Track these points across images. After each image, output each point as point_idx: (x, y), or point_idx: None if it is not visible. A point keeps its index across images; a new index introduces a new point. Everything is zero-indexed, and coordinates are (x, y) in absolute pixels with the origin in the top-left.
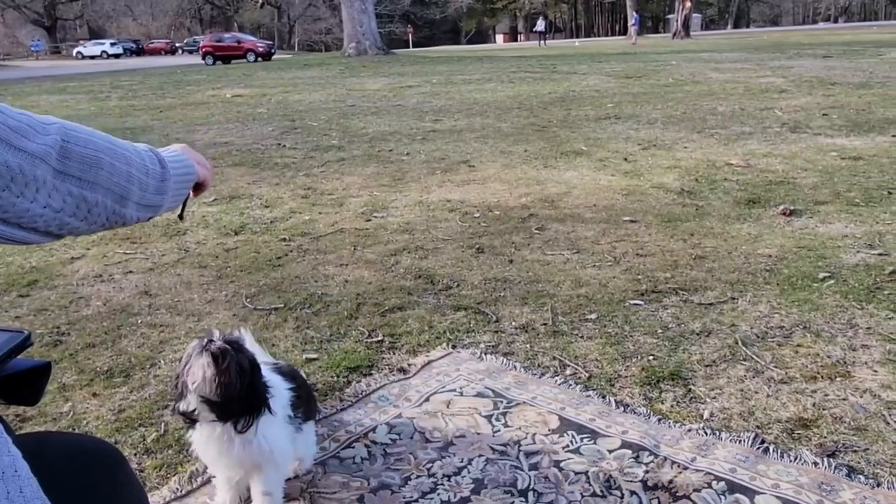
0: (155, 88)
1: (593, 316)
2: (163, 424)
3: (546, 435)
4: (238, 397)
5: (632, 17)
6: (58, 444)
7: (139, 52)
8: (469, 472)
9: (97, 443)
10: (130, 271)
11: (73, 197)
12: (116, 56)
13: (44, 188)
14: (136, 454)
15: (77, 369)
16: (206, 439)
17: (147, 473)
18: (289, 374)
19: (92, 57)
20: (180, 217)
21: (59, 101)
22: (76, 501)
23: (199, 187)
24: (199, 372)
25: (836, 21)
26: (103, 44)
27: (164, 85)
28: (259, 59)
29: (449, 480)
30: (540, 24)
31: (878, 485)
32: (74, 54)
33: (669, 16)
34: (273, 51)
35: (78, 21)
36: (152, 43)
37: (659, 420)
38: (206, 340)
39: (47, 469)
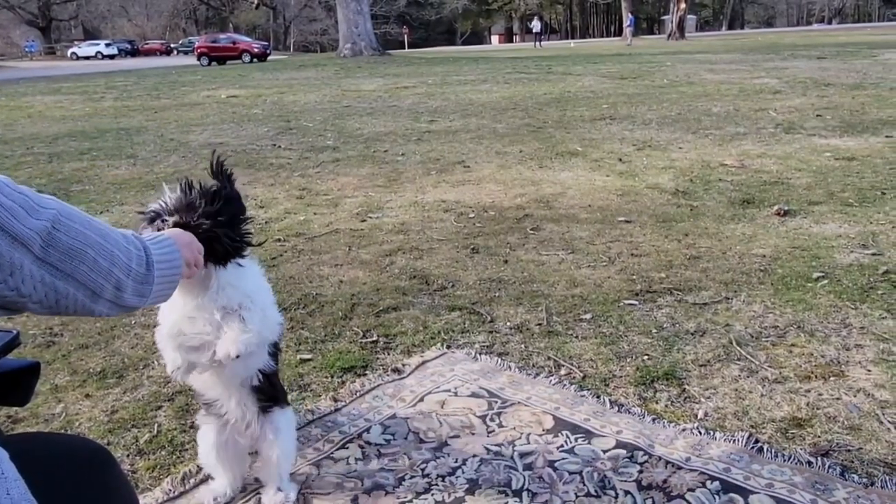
0: (150, 89)
1: (588, 316)
2: (156, 425)
3: (540, 435)
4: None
5: (627, 19)
6: (47, 445)
7: (134, 52)
8: (463, 473)
9: (87, 444)
10: None
11: (45, 285)
12: (111, 57)
13: (18, 272)
14: (128, 455)
15: (70, 370)
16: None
17: (140, 475)
18: None
19: (87, 58)
20: None
21: (53, 102)
22: (65, 503)
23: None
24: (175, 195)
25: (830, 22)
26: (98, 44)
27: (159, 86)
28: (254, 59)
29: (443, 481)
30: (536, 26)
31: (872, 484)
32: (69, 55)
33: (664, 17)
34: (268, 52)
35: (73, 22)
36: (147, 44)
37: (653, 420)
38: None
39: (36, 470)
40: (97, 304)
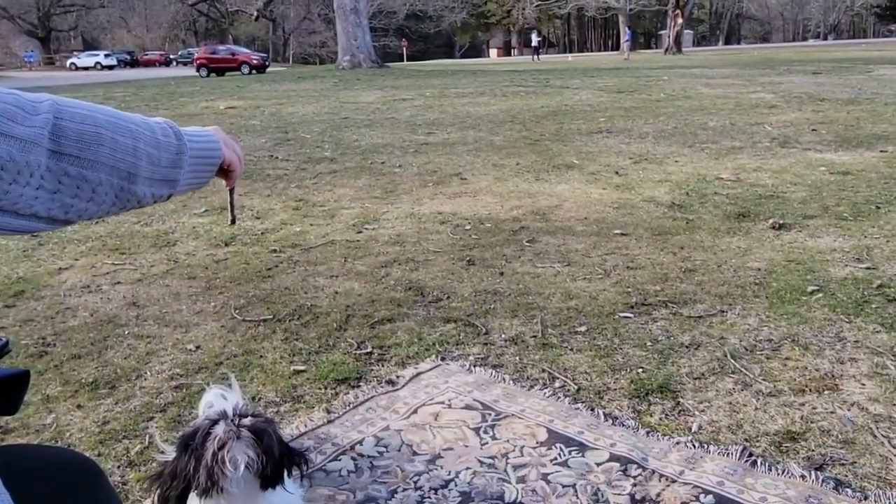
0: (148, 100)
1: (583, 328)
2: (147, 437)
3: (534, 447)
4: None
5: (625, 33)
6: (33, 457)
7: (133, 63)
8: (456, 485)
9: (74, 455)
10: (118, 282)
11: (71, 177)
12: (110, 67)
13: (37, 171)
14: (119, 467)
15: (62, 380)
16: None
17: (130, 486)
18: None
19: (86, 68)
20: (232, 222)
21: None
22: None
23: (228, 174)
24: (241, 457)
25: (825, 38)
26: (97, 55)
27: (157, 97)
28: (253, 71)
29: (436, 493)
30: (535, 40)
31: (866, 498)
32: (68, 65)
33: (662, 32)
34: (267, 63)
35: (72, 32)
36: (147, 54)
37: (647, 433)
38: (233, 421)
39: (21, 483)
40: (136, 184)
